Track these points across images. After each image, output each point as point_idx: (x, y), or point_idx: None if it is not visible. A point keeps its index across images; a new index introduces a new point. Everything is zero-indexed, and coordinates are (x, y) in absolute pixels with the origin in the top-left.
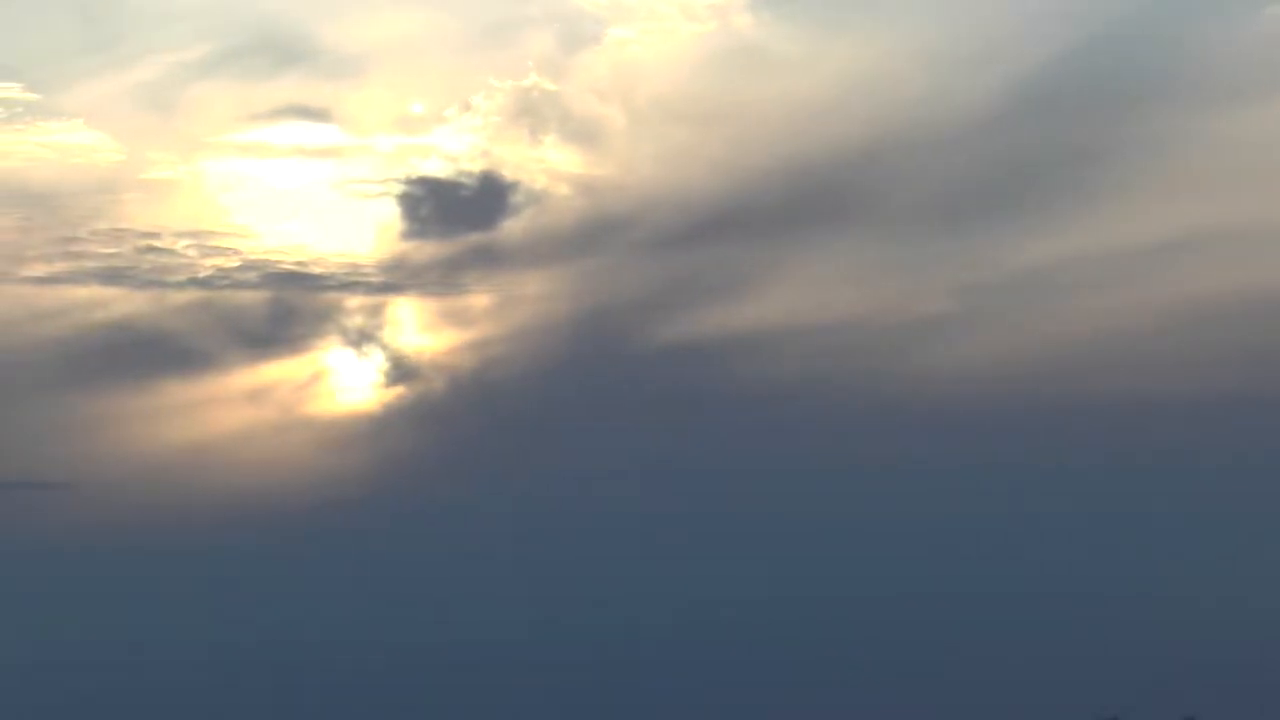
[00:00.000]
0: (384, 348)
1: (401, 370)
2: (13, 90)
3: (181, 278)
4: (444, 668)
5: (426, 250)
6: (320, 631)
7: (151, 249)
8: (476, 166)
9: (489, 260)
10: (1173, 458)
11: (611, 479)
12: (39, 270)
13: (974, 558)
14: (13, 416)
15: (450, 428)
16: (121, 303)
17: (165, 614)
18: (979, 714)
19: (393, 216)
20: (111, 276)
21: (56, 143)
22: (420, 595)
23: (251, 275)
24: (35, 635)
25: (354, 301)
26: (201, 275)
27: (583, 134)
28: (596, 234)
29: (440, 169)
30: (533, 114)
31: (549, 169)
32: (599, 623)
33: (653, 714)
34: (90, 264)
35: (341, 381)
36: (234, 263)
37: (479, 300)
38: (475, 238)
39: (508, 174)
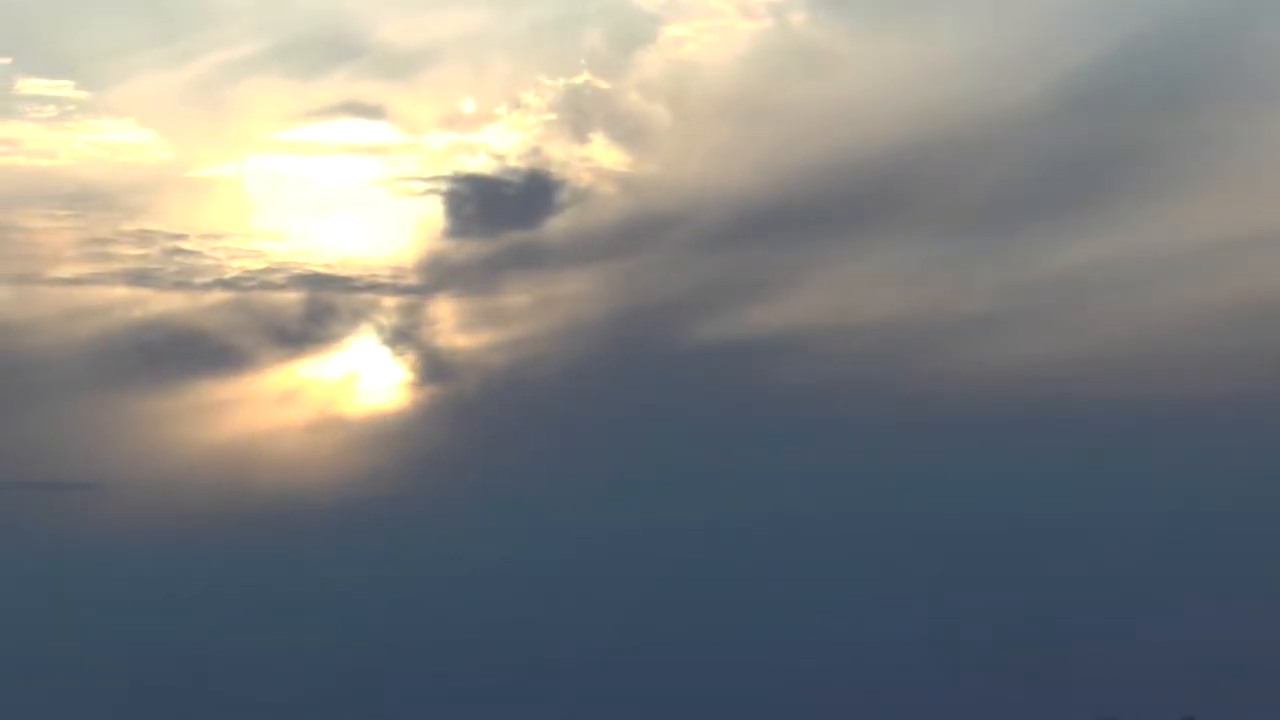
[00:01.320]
0: (419, 347)
1: (436, 370)
2: (64, 88)
3: (215, 278)
4: (476, 668)
5: (466, 249)
6: (354, 631)
7: (190, 249)
8: (523, 164)
9: (530, 259)
10: (1219, 458)
11: (649, 479)
12: (81, 269)
13: (1014, 557)
14: (44, 417)
15: (485, 427)
16: (159, 303)
17: (199, 613)
18: (980, 714)
19: (435, 215)
20: (161, 277)
21: (106, 141)
22: (454, 595)
23: (288, 275)
24: (68, 635)
25: (390, 301)
26: (239, 274)
27: (632, 132)
28: (640, 233)
29: (486, 167)
30: (583, 112)
31: (596, 167)
32: (631, 625)
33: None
34: (122, 265)
35: (374, 381)
36: (272, 262)
37: (517, 299)
38: (517, 236)
39: (554, 172)
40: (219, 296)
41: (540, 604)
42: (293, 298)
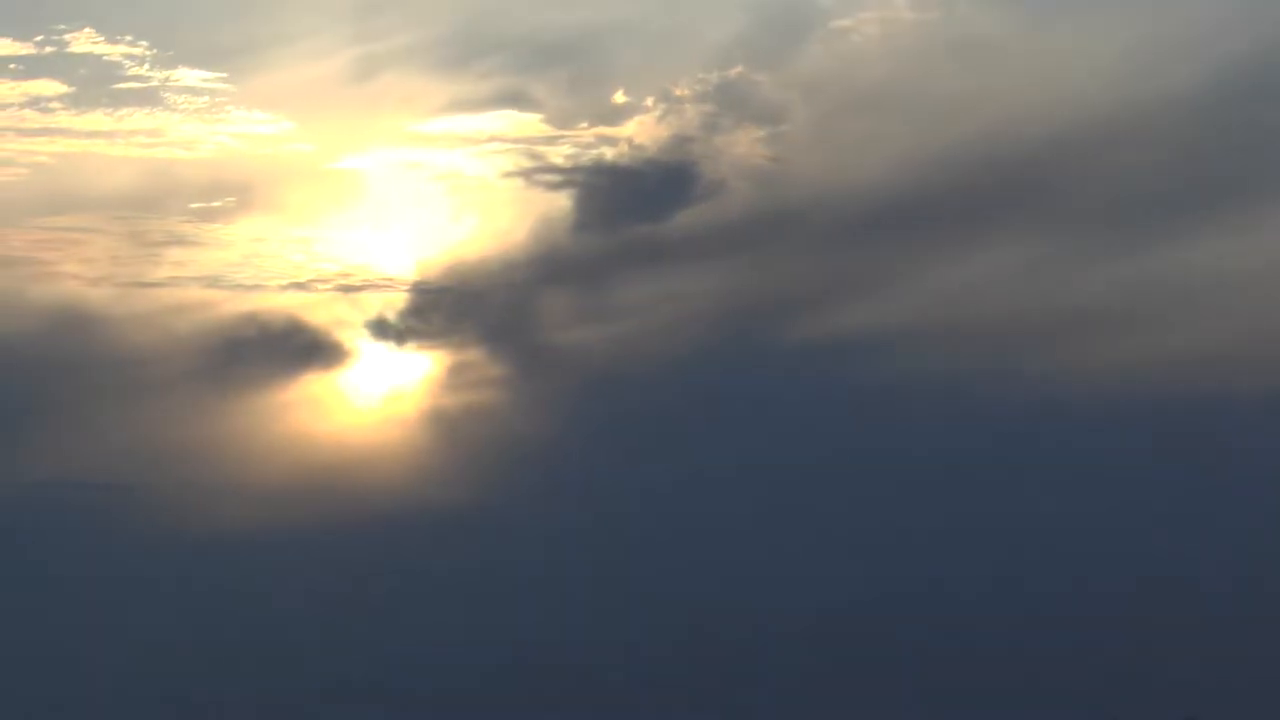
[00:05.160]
0: (523, 344)
1: (538, 366)
2: (218, 80)
3: (329, 273)
4: (569, 669)
5: (589, 243)
6: (446, 630)
7: (302, 246)
8: (662, 158)
9: (651, 253)
10: None
11: (756, 475)
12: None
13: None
14: (121, 419)
15: (588, 422)
16: (269, 299)
17: (285, 608)
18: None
19: (564, 208)
20: (253, 277)
21: (247, 133)
22: (551, 595)
23: (408, 266)
24: (154, 634)
25: (500, 297)
26: (356, 268)
27: (780, 126)
28: (766, 228)
29: (624, 160)
30: (734, 105)
31: (736, 161)
32: (734, 624)
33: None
34: (231, 261)
35: (474, 376)
36: (392, 255)
37: (631, 294)
38: (643, 230)
39: (692, 166)
40: (331, 291)
41: (642, 597)
42: (407, 292)
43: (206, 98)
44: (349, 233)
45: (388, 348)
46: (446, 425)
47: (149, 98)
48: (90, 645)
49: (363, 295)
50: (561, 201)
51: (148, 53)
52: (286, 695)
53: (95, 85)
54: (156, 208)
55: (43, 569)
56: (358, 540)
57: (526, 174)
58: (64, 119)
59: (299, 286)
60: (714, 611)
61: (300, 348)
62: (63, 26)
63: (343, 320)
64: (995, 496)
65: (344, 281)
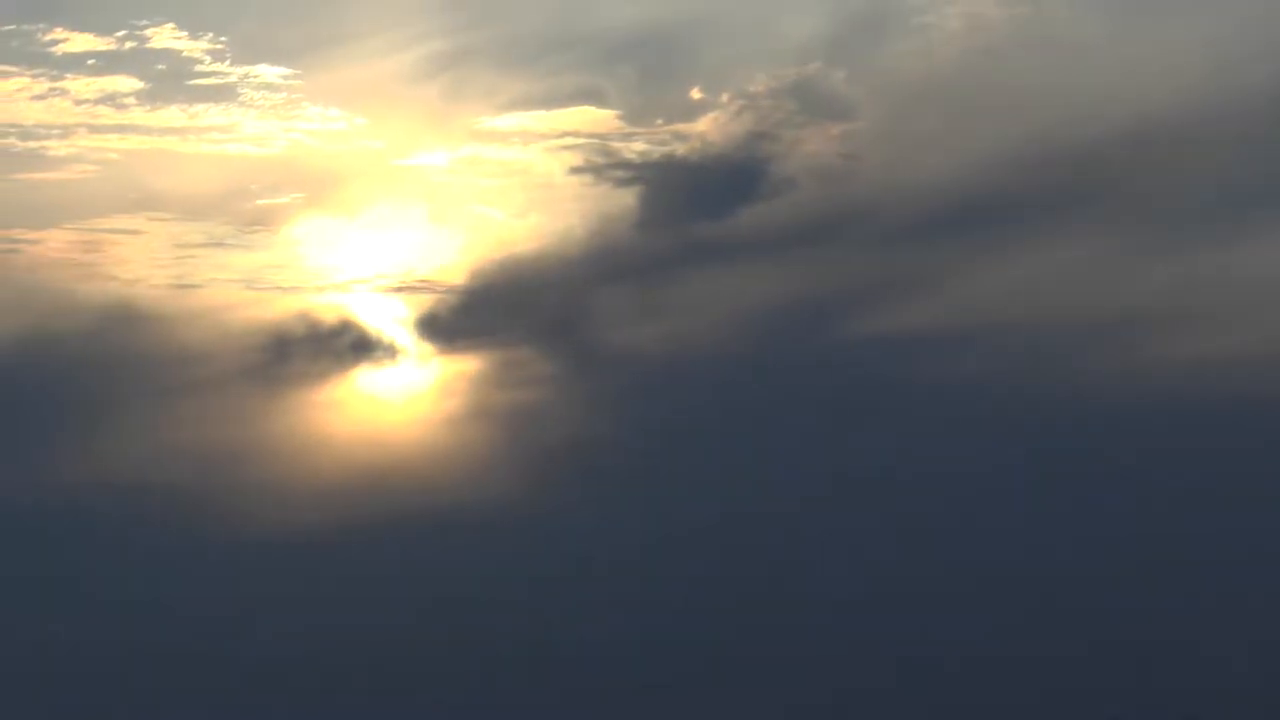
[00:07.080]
0: (575, 342)
1: (589, 364)
2: (293, 76)
3: (389, 268)
4: (614, 665)
5: (652, 240)
6: (494, 628)
7: (366, 241)
8: (732, 154)
9: (712, 251)
10: None
11: (814, 476)
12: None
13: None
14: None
15: (634, 421)
16: (317, 296)
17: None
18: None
19: (629, 205)
20: (308, 275)
21: (320, 130)
22: (600, 594)
23: (466, 265)
24: (200, 637)
25: (558, 294)
26: (414, 265)
27: (857, 121)
28: (828, 226)
29: (694, 155)
30: (809, 101)
31: (808, 157)
32: (786, 620)
33: None
34: (277, 260)
35: (524, 375)
36: (459, 252)
37: (689, 291)
38: (705, 228)
39: (762, 163)
40: (386, 290)
41: (690, 596)
42: (464, 290)
43: (283, 94)
44: (409, 231)
45: (436, 347)
46: (494, 425)
47: (224, 94)
48: (134, 645)
49: (416, 294)
50: (627, 199)
51: (227, 48)
52: (338, 695)
53: (171, 81)
54: (222, 205)
55: (82, 570)
56: (403, 541)
57: (595, 170)
58: (138, 115)
59: (348, 286)
60: (762, 609)
61: (350, 345)
62: (145, 21)
63: (393, 318)
64: (1057, 496)
65: (397, 280)
